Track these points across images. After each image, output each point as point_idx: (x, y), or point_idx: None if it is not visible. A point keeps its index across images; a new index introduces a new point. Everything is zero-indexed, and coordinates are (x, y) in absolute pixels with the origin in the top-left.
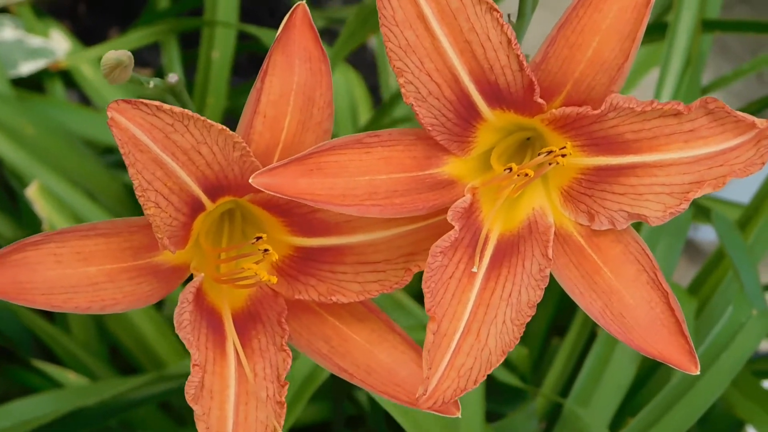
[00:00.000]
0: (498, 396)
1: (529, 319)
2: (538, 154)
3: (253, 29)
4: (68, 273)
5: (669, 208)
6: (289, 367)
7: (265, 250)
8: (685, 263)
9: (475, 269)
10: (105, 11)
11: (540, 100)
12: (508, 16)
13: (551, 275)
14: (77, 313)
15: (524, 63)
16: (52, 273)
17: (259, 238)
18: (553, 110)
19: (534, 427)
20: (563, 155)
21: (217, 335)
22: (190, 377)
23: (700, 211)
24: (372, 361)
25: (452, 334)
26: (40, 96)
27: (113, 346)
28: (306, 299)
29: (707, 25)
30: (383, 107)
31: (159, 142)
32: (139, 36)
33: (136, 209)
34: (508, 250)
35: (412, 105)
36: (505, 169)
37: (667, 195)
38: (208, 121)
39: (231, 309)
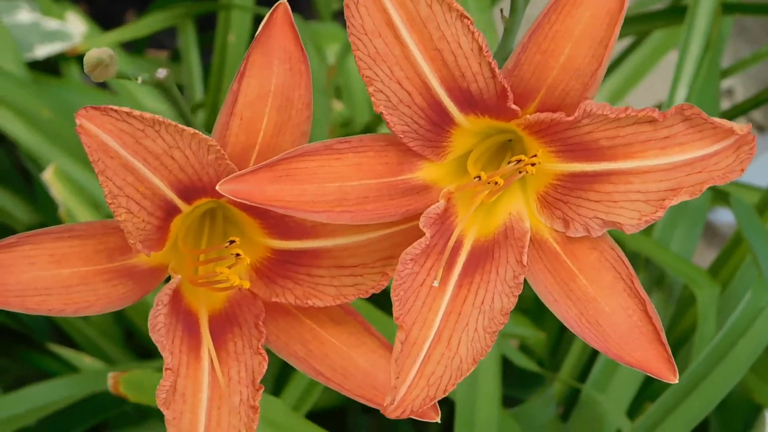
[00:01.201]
0: (515, 381)
1: (502, 327)
2: (508, 163)
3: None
4: (41, 275)
5: (644, 216)
6: (264, 370)
7: (237, 255)
8: (704, 246)
9: (436, 283)
10: None
11: (514, 107)
12: (501, 11)
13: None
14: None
15: (496, 70)
16: (25, 275)
17: (232, 242)
18: (528, 116)
19: (551, 412)
20: (533, 164)
21: (192, 338)
22: (161, 381)
23: (719, 194)
24: (349, 365)
25: (422, 342)
26: (57, 79)
27: (129, 329)
28: (283, 302)
29: (727, 8)
30: None
31: (129, 147)
32: (155, 20)
33: None
34: (482, 256)
35: (383, 113)
36: (474, 177)
37: (643, 202)
38: (180, 125)
39: (209, 311)
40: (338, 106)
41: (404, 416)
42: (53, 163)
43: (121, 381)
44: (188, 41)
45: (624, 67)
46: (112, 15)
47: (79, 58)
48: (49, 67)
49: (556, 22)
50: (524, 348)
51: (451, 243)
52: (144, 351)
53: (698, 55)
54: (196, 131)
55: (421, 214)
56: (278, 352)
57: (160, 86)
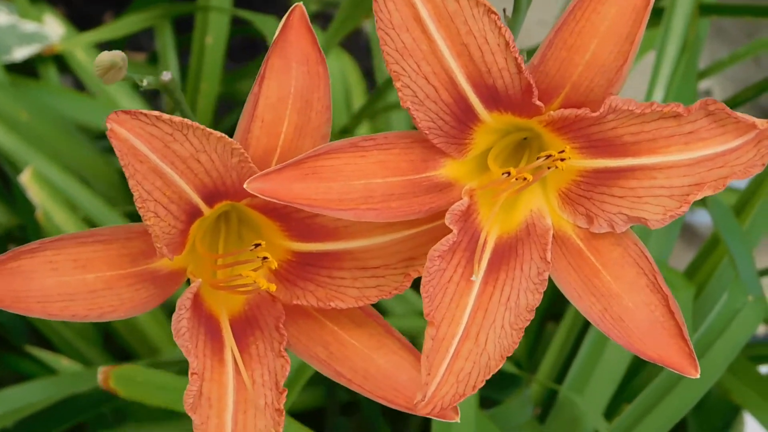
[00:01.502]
0: (493, 382)
1: (528, 323)
2: (537, 158)
3: (246, 14)
4: (65, 281)
5: (669, 211)
6: (287, 373)
7: (264, 258)
8: (682, 246)
9: (474, 278)
10: None
11: (538, 103)
12: (504, 10)
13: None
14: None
15: (522, 65)
16: (48, 281)
17: (257, 245)
18: (552, 112)
19: (529, 413)
20: (562, 159)
21: (215, 342)
22: (188, 386)
23: None
24: (371, 366)
25: (451, 338)
26: (34, 81)
27: (107, 332)
28: (304, 305)
29: (704, 9)
30: (377, 92)
31: (158, 151)
32: (133, 21)
33: (129, 195)
34: (506, 253)
35: (409, 108)
36: (503, 174)
37: (667, 197)
38: (207, 129)
39: (229, 314)
40: None
41: (434, 412)
42: (31, 165)
43: (111, 376)
44: (166, 43)
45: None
46: (89, 17)
47: (57, 59)
48: (27, 70)
49: (582, 18)
50: None
51: (482, 239)
52: (122, 353)
53: (675, 56)
54: (223, 135)
55: (443, 212)
56: (299, 355)
57: (165, 89)
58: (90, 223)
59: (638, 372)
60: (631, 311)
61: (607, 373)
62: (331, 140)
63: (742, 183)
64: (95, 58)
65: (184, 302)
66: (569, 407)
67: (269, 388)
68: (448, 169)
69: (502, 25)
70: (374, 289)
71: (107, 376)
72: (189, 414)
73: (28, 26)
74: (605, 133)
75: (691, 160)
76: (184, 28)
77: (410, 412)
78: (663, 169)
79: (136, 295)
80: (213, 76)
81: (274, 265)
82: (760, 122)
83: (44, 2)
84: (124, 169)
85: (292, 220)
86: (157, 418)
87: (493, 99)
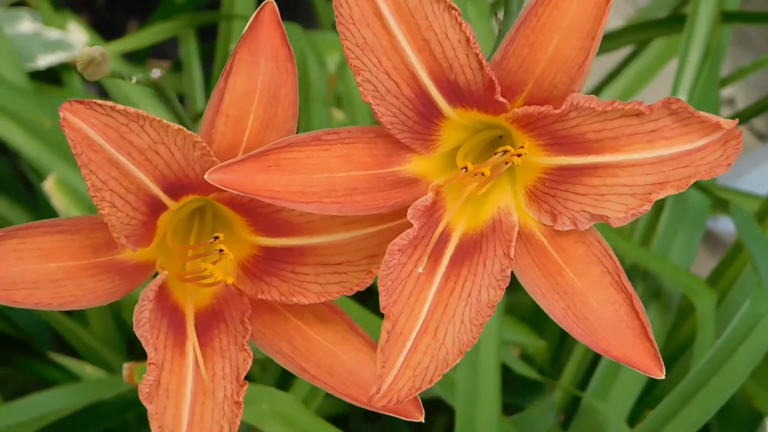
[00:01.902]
0: (516, 389)
1: (488, 319)
2: (495, 154)
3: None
4: (29, 269)
5: (631, 209)
6: (248, 367)
7: (220, 251)
8: (705, 254)
9: (420, 270)
10: (123, 3)
11: (502, 99)
12: (496, 14)
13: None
14: (89, 307)
15: (484, 62)
16: (13, 269)
17: (216, 237)
18: (516, 109)
19: (552, 420)
20: (519, 155)
21: (178, 334)
22: (145, 376)
23: (719, 203)
24: (335, 363)
25: (408, 332)
26: (58, 89)
27: (131, 338)
28: (269, 299)
29: (726, 17)
30: None
31: (113, 141)
32: (157, 30)
33: None
34: (470, 248)
35: (371, 103)
36: (461, 169)
37: (630, 196)
38: (165, 121)
39: (195, 307)
40: (339, 115)
41: (390, 406)
42: (54, 172)
43: (136, 371)
44: (190, 51)
45: (624, 76)
46: (113, 25)
47: None
48: (51, 77)
49: (543, 14)
50: (525, 356)
51: (437, 233)
52: (146, 359)
53: (698, 63)
54: (182, 127)
55: (409, 207)
56: (264, 349)
57: (155, 86)
58: None
59: (661, 379)
60: (595, 309)
61: (630, 379)
62: None
63: (764, 189)
64: (121, 67)
65: (147, 294)
66: (592, 414)
67: (229, 381)
68: (415, 165)
69: (463, 21)
70: (336, 285)
71: (132, 372)
72: (144, 403)
73: (52, 34)
74: (569, 130)
75: (653, 159)
76: (209, 37)
77: (371, 408)
78: (625, 167)
79: (99, 285)
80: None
81: (231, 257)
82: (725, 122)
83: (68, 9)
84: (76, 158)
85: (257, 214)
86: None
87: (456, 95)
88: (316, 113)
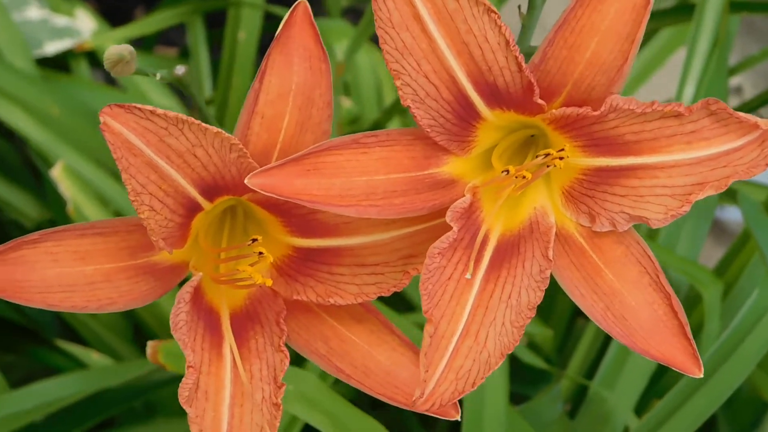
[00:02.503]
0: (523, 378)
1: (529, 321)
2: (536, 156)
3: (279, 10)
4: (65, 272)
5: (670, 210)
6: (286, 368)
7: (260, 253)
8: (712, 243)
9: (468, 276)
10: None
11: (540, 101)
12: (519, 7)
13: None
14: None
15: (523, 64)
16: (49, 272)
17: (254, 240)
18: (554, 110)
19: (559, 409)
20: (561, 158)
21: (215, 336)
22: (184, 379)
23: (726, 192)
24: (370, 363)
25: (450, 336)
26: (66, 76)
27: (137, 325)
28: (304, 300)
29: (735, 6)
30: None
31: (153, 145)
32: (164, 17)
33: None
34: (508, 250)
35: (410, 107)
36: (502, 172)
37: (669, 197)
38: (203, 124)
39: (230, 308)
40: (347, 103)
41: (433, 410)
42: (62, 159)
43: (160, 350)
44: (197, 38)
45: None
46: (120, 11)
47: (88, 54)
48: (59, 64)
49: (583, 16)
50: (532, 345)
51: (480, 237)
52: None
53: (706, 52)
54: (220, 130)
55: (446, 208)
56: (299, 350)
57: (179, 83)
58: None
59: (669, 368)
60: (634, 310)
61: (637, 368)
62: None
63: None
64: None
65: (183, 296)
66: (599, 403)
67: (267, 383)
68: (452, 166)
69: (502, 24)
70: (373, 286)
71: (155, 350)
72: (184, 407)
73: (60, 20)
74: (607, 131)
75: (693, 160)
76: (216, 23)
77: (409, 409)
78: (665, 168)
79: (135, 287)
80: (245, 71)
81: (270, 259)
82: (762, 122)
83: None
84: (117, 162)
85: (293, 215)
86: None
87: (495, 97)
88: None
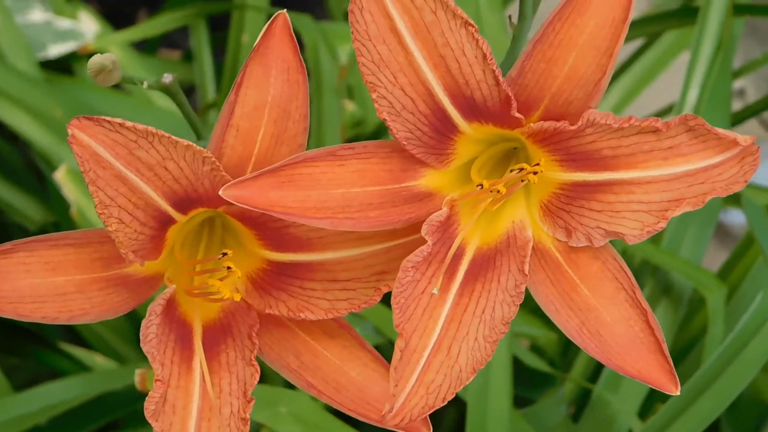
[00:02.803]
0: (526, 381)
1: (502, 336)
2: (510, 171)
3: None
4: (36, 282)
5: (647, 227)
6: (255, 382)
7: (228, 268)
8: (715, 246)
9: (435, 291)
10: None
11: (517, 114)
12: (509, 17)
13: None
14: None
15: (500, 78)
16: (20, 282)
17: (224, 254)
18: (531, 124)
19: (562, 412)
20: (535, 172)
21: (185, 349)
22: (151, 393)
23: (731, 196)
24: (342, 378)
25: (422, 350)
26: (69, 78)
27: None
28: (276, 314)
29: (739, 9)
30: None
31: (122, 158)
32: (167, 19)
33: None
34: (484, 264)
35: (386, 120)
36: (476, 186)
37: (645, 213)
38: (174, 137)
39: (203, 321)
40: (350, 106)
41: (402, 425)
42: (65, 162)
43: (147, 378)
44: (201, 41)
45: (636, 68)
46: (124, 14)
47: (92, 56)
48: (62, 67)
49: (561, 30)
50: (535, 348)
51: (452, 251)
52: None
53: (710, 55)
54: (190, 143)
55: (423, 222)
56: (271, 364)
57: (166, 91)
58: None
59: None
60: (610, 326)
61: None
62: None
63: None
64: (130, 56)
65: (154, 308)
66: (603, 406)
67: (236, 397)
68: (429, 179)
69: (480, 37)
70: (345, 302)
71: (144, 378)
72: (149, 421)
73: (63, 23)
74: (584, 146)
75: (670, 176)
76: (220, 26)
77: (380, 425)
78: (641, 183)
79: (107, 298)
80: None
81: (239, 274)
82: (741, 139)
83: None
84: (84, 175)
85: (267, 228)
86: None
87: (472, 110)
88: (327, 104)
